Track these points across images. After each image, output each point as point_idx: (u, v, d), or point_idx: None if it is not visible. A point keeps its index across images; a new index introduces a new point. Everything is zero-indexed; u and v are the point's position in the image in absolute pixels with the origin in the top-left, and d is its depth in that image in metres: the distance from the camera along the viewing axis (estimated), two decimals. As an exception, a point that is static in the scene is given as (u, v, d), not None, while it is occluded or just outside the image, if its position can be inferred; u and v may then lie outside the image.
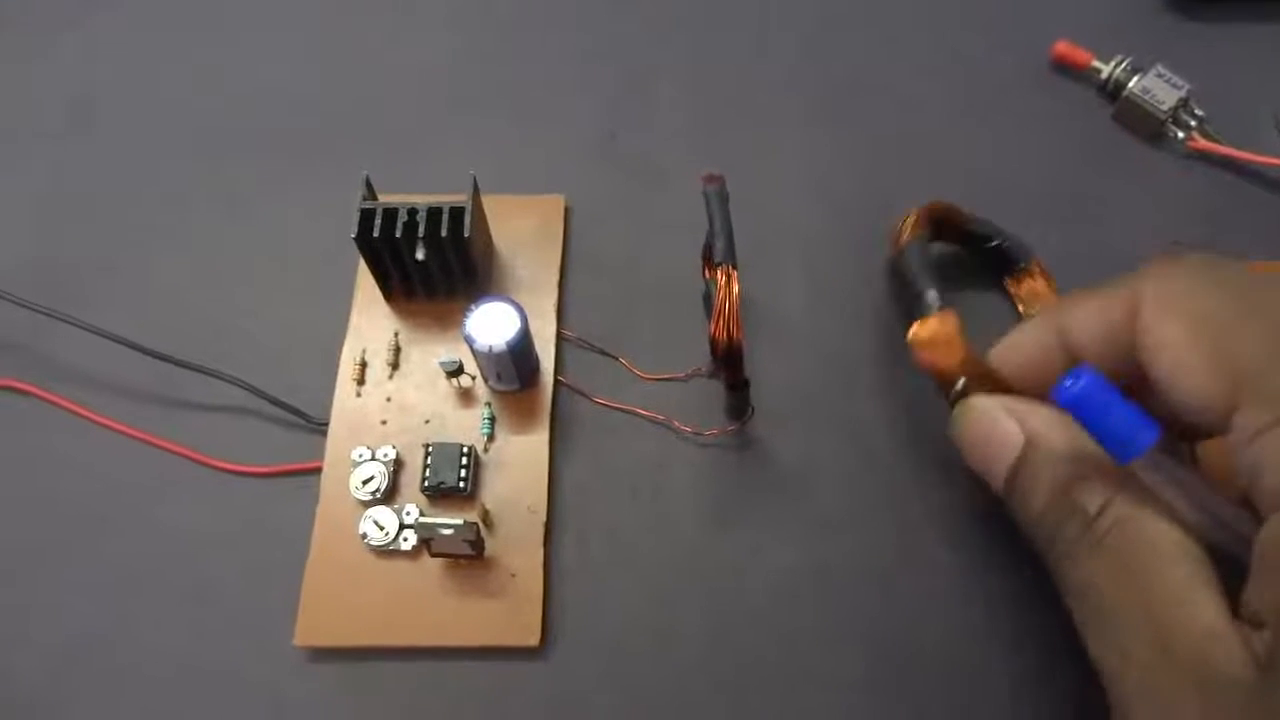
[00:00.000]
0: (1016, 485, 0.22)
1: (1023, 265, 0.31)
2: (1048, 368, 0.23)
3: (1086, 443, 0.21)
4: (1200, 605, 0.18)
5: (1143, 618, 0.19)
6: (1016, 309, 0.31)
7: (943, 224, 0.31)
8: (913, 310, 0.28)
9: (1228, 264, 0.21)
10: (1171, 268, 0.21)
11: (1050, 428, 0.22)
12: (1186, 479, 0.20)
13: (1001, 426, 0.23)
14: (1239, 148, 0.34)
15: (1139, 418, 0.20)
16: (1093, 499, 0.20)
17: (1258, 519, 0.19)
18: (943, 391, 0.26)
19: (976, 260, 0.32)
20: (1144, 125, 0.35)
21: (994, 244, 0.31)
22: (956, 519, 0.29)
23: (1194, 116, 0.34)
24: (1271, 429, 0.18)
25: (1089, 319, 0.23)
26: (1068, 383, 0.20)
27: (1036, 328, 0.24)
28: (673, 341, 0.31)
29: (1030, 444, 0.22)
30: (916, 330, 0.27)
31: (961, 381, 0.25)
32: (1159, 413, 0.20)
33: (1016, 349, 0.24)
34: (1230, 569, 0.19)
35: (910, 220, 0.30)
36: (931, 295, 0.28)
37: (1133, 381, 0.21)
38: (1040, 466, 0.22)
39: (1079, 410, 0.20)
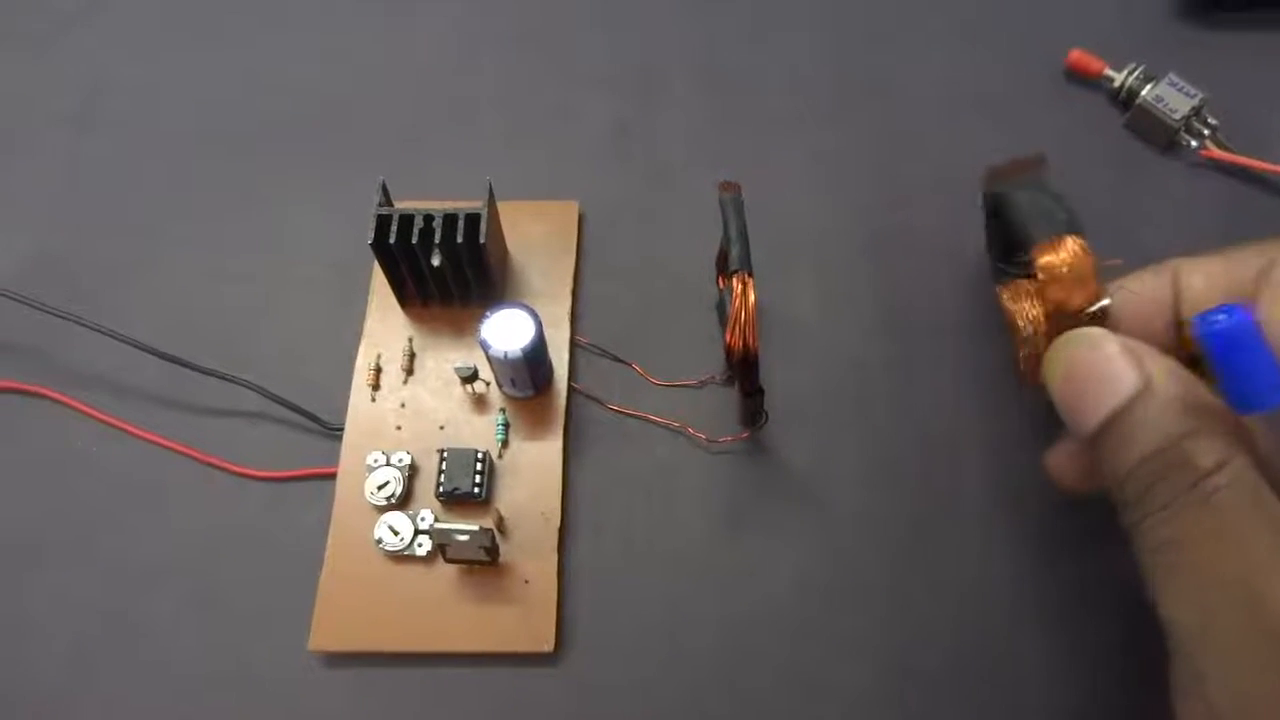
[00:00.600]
0: (1118, 429, 0.21)
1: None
2: (1155, 322, 0.23)
3: (1204, 398, 0.21)
4: None
5: (1238, 580, 0.18)
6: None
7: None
8: (1033, 233, 0.24)
9: None
10: None
11: (1172, 374, 0.21)
12: None
13: (1117, 364, 0.21)
14: (1252, 156, 0.34)
15: (1276, 373, 0.19)
16: (1208, 455, 0.19)
17: None
18: (1027, 340, 0.24)
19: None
20: (1157, 134, 0.35)
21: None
22: (970, 525, 0.29)
23: (1207, 125, 0.34)
24: None
25: (1213, 272, 0.22)
26: (1218, 316, 0.19)
27: (1153, 278, 0.23)
28: (686, 348, 0.32)
29: (1149, 387, 0.20)
30: (1050, 257, 0.24)
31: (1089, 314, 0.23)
32: None
33: (1127, 298, 0.23)
34: None
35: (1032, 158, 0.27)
36: (1062, 220, 0.24)
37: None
38: (1155, 412, 0.20)
39: (1223, 346, 0.19)
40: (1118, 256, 0.24)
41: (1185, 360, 0.22)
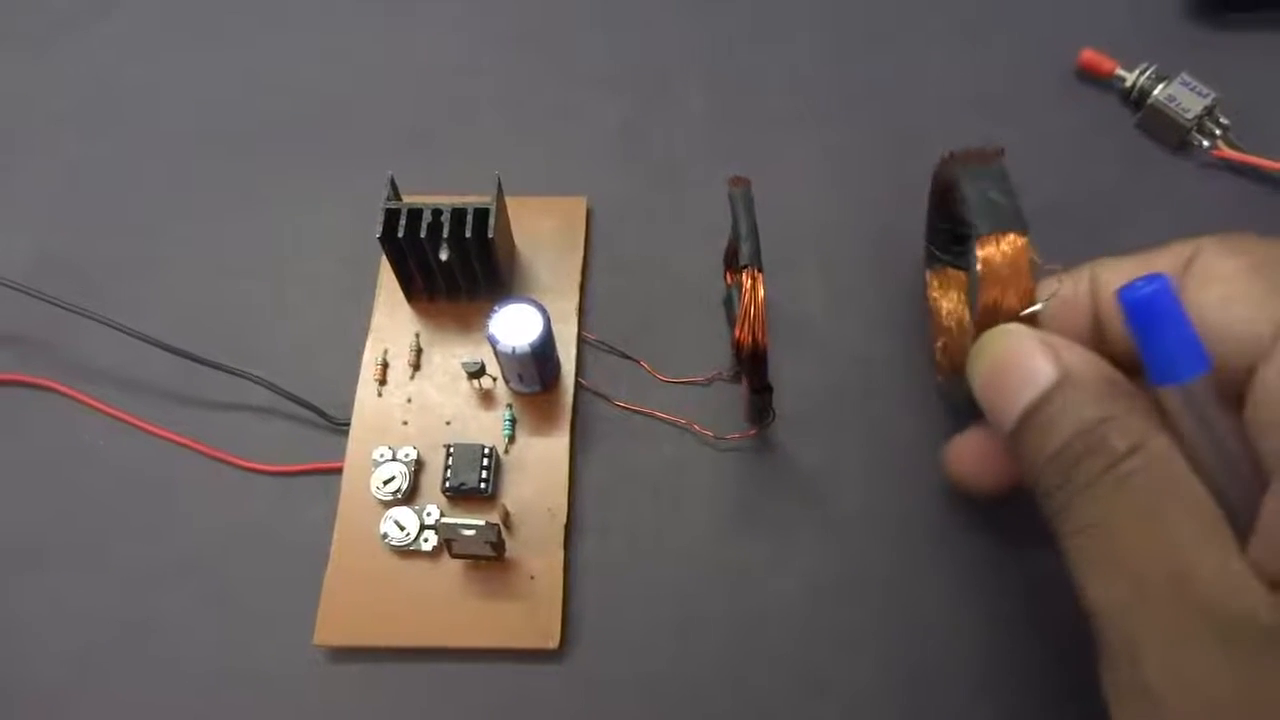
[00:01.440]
0: (1038, 420, 0.21)
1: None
2: (1076, 324, 0.23)
3: (1122, 385, 0.21)
4: (1222, 550, 0.18)
5: (1162, 556, 0.18)
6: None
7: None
8: (979, 224, 0.24)
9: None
10: (1230, 233, 0.22)
11: (1088, 364, 0.21)
12: (1217, 423, 0.20)
13: (1035, 358, 0.21)
14: (1264, 156, 0.33)
15: (1195, 344, 0.20)
16: (1122, 438, 0.20)
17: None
18: (945, 330, 0.24)
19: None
20: (1168, 133, 0.34)
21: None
22: (979, 523, 0.29)
23: (1219, 125, 0.34)
24: None
25: (1132, 270, 0.22)
26: (1139, 284, 0.20)
27: (1072, 281, 0.24)
28: (693, 344, 0.31)
29: (1065, 377, 0.21)
30: (992, 251, 0.23)
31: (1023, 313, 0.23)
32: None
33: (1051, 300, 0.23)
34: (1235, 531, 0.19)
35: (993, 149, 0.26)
36: (1006, 213, 0.24)
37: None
38: (1073, 401, 0.21)
39: (1143, 314, 0.20)
40: (1119, 254, 0.24)
41: (1107, 360, 0.22)
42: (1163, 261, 0.22)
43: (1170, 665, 0.18)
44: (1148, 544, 0.19)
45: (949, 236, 0.29)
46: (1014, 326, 0.23)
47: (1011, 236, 0.24)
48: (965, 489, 0.27)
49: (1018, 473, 0.23)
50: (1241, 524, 0.19)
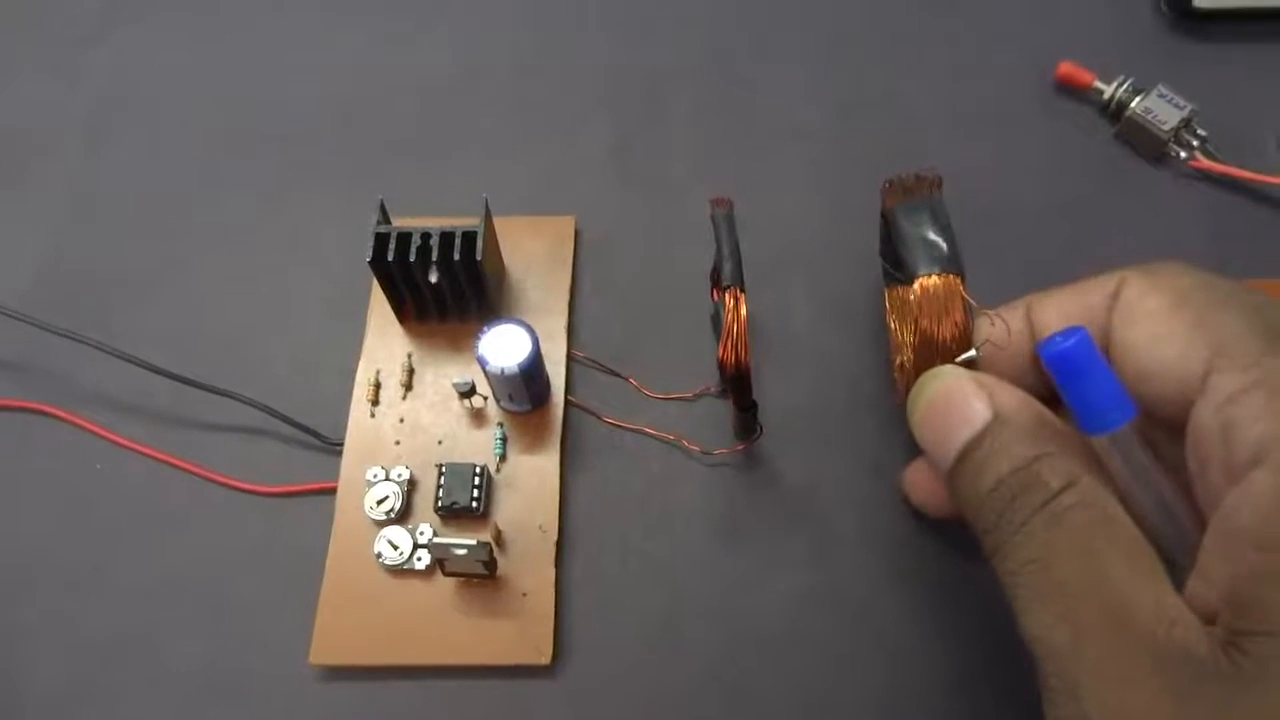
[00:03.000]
0: (973, 459, 0.21)
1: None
2: (1013, 357, 0.23)
3: (1054, 424, 0.21)
4: (1156, 585, 0.18)
5: (1099, 593, 0.19)
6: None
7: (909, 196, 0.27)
8: (911, 265, 0.25)
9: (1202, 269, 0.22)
10: (1153, 263, 0.22)
11: (1022, 404, 0.22)
12: (1148, 467, 0.20)
13: (970, 400, 0.22)
14: (1240, 167, 0.34)
15: (1120, 393, 0.20)
16: (1056, 476, 0.20)
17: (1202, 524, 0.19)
18: (906, 359, 0.25)
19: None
20: (1147, 145, 0.35)
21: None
22: (966, 538, 0.29)
23: (1196, 136, 0.35)
24: (1248, 390, 0.18)
25: (1064, 304, 0.23)
26: (1058, 339, 0.20)
27: (1009, 313, 0.24)
28: (682, 361, 0.32)
29: (998, 417, 0.21)
30: (924, 291, 0.24)
31: (961, 358, 0.24)
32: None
33: (990, 333, 0.24)
34: (1168, 568, 0.19)
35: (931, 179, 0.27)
36: (932, 252, 0.25)
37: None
38: (1006, 440, 0.21)
39: (1065, 368, 0.20)
40: (1107, 266, 0.24)
41: (1044, 395, 0.23)
42: (1091, 297, 0.22)
43: (1110, 700, 0.18)
44: (1084, 580, 0.19)
45: (896, 258, 0.29)
46: (949, 368, 0.23)
47: (944, 279, 0.24)
48: (924, 512, 0.28)
49: None
50: (1176, 561, 0.19)
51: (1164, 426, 0.21)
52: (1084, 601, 0.19)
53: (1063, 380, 0.20)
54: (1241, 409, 0.18)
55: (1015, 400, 0.22)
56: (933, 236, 0.25)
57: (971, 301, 0.24)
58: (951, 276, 0.24)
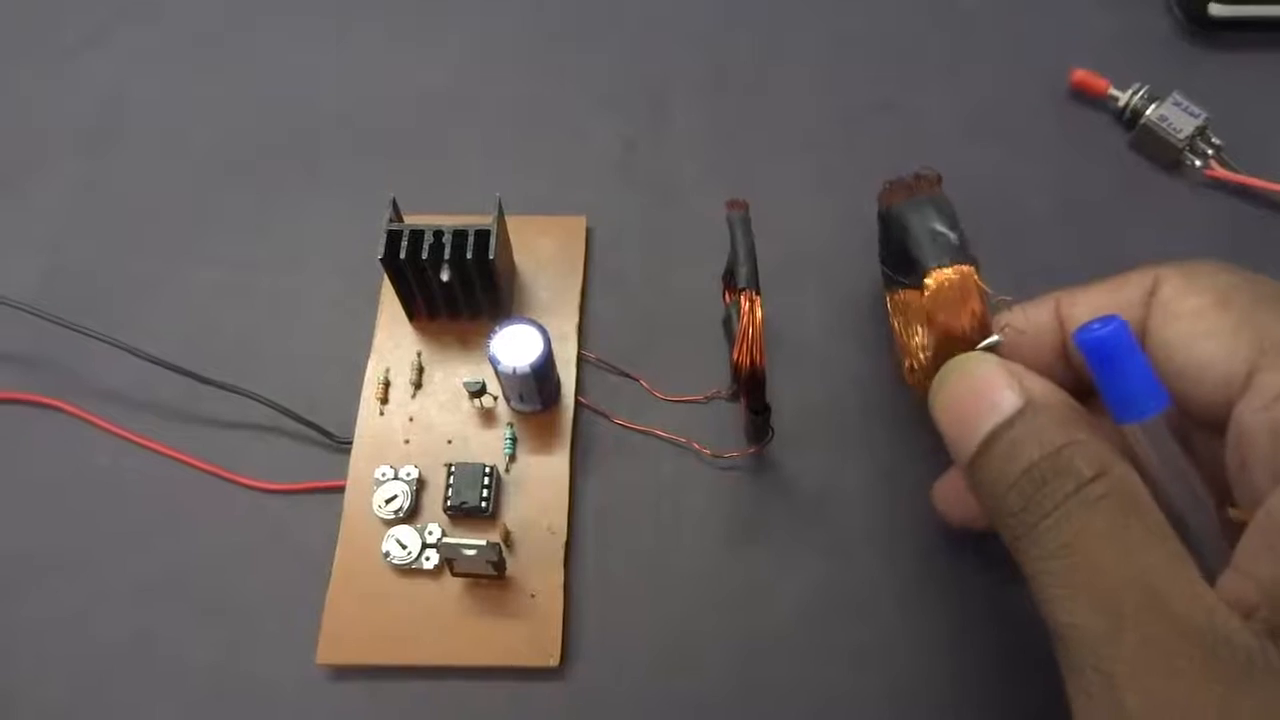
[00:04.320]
0: (1000, 444, 0.21)
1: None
2: (1042, 355, 0.23)
3: (1084, 414, 0.21)
4: (1192, 576, 0.18)
5: (1136, 580, 0.18)
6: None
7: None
8: (923, 257, 0.24)
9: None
10: (1189, 261, 0.22)
11: (1048, 392, 0.22)
12: (1179, 458, 0.20)
13: (999, 386, 0.21)
14: (1256, 176, 0.34)
15: (1154, 381, 0.20)
16: (1089, 464, 0.19)
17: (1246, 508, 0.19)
18: (916, 362, 0.25)
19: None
20: (1161, 153, 0.35)
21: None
22: (979, 540, 0.29)
23: (1211, 145, 0.35)
24: None
25: (1096, 299, 0.23)
26: (1095, 326, 0.20)
27: (1036, 308, 0.24)
28: (692, 363, 0.32)
29: (1030, 403, 0.21)
30: (938, 285, 0.24)
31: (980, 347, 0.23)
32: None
33: (1012, 334, 0.24)
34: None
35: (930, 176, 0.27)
36: (946, 244, 0.24)
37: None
38: (1037, 426, 0.20)
39: (1101, 355, 0.20)
40: (1105, 276, 0.24)
41: (1072, 389, 0.22)
42: (1125, 293, 0.22)
43: (1150, 690, 0.18)
44: (1120, 567, 0.18)
45: (900, 259, 0.29)
46: (976, 355, 0.23)
47: (958, 269, 0.24)
48: (954, 525, 0.28)
49: None
50: (1204, 555, 0.19)
51: (1198, 423, 0.21)
52: (1121, 589, 0.18)
53: (1098, 366, 0.20)
54: None
55: (1044, 388, 0.22)
56: (940, 229, 0.25)
57: (988, 290, 0.24)
58: (965, 266, 0.24)
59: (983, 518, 0.25)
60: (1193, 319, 0.21)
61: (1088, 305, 0.23)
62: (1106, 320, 0.20)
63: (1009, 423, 0.21)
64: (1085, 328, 0.20)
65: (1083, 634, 0.19)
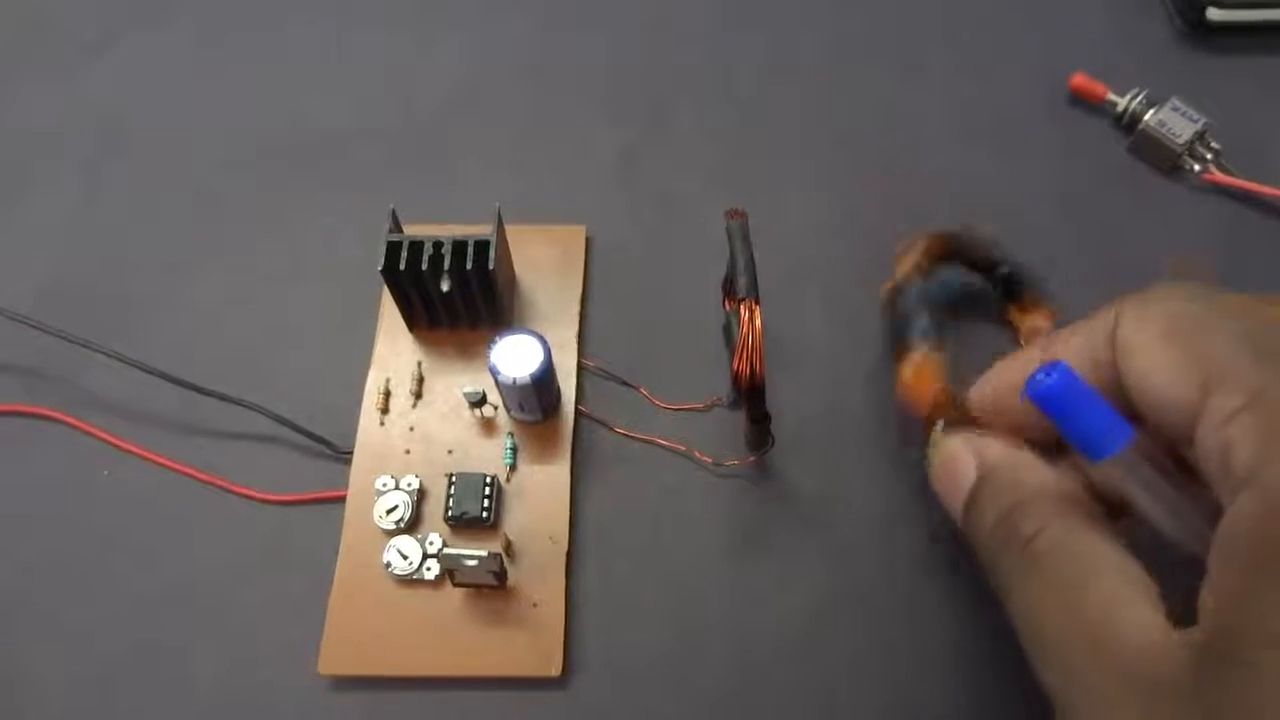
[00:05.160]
0: (970, 516, 0.23)
1: (1029, 294, 0.31)
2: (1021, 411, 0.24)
3: (1033, 474, 0.22)
4: (1135, 609, 0.19)
5: (1078, 630, 0.19)
6: (1018, 340, 0.32)
7: (945, 253, 0.31)
8: (903, 339, 0.29)
9: (1196, 284, 0.22)
10: (1146, 290, 0.22)
11: (1002, 458, 0.23)
12: (1157, 483, 0.21)
13: (961, 459, 0.24)
14: (1255, 181, 0.34)
15: (1113, 417, 0.20)
16: (1029, 523, 0.21)
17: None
18: (923, 436, 0.27)
19: (986, 285, 0.32)
20: (1160, 158, 0.35)
21: (1002, 271, 0.31)
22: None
23: (1210, 149, 0.35)
24: (1242, 411, 0.19)
25: (1074, 342, 0.23)
26: (1039, 376, 0.20)
27: (1017, 361, 0.24)
28: (692, 371, 0.32)
29: (982, 474, 0.23)
30: (901, 369, 0.28)
31: (940, 424, 0.25)
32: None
33: (994, 383, 0.25)
34: (1198, 573, 0.19)
35: (908, 258, 0.30)
36: (918, 333, 0.29)
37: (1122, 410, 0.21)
38: (987, 495, 0.22)
39: (1049, 405, 0.20)
40: (1121, 279, 0.24)
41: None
42: (1093, 335, 0.22)
43: None
44: (1063, 620, 0.20)
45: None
46: (946, 436, 0.25)
47: (919, 358, 0.28)
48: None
49: None
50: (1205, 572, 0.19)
51: (1186, 447, 0.21)
52: (1069, 642, 0.19)
53: (1053, 414, 0.21)
54: (1235, 430, 0.19)
55: (998, 454, 0.23)
56: (923, 320, 0.29)
57: (949, 385, 0.27)
58: (926, 357, 0.28)
59: None
60: (1144, 354, 0.21)
61: (1067, 348, 0.23)
62: (1049, 368, 0.20)
63: (972, 493, 0.23)
64: (1032, 379, 0.21)
65: (1048, 689, 0.20)
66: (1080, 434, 0.21)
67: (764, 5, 0.40)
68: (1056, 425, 0.21)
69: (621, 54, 0.39)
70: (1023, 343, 0.31)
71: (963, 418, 0.25)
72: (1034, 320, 0.31)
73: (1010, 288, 0.32)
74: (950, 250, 0.31)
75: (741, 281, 0.26)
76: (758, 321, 0.25)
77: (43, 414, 0.32)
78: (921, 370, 0.28)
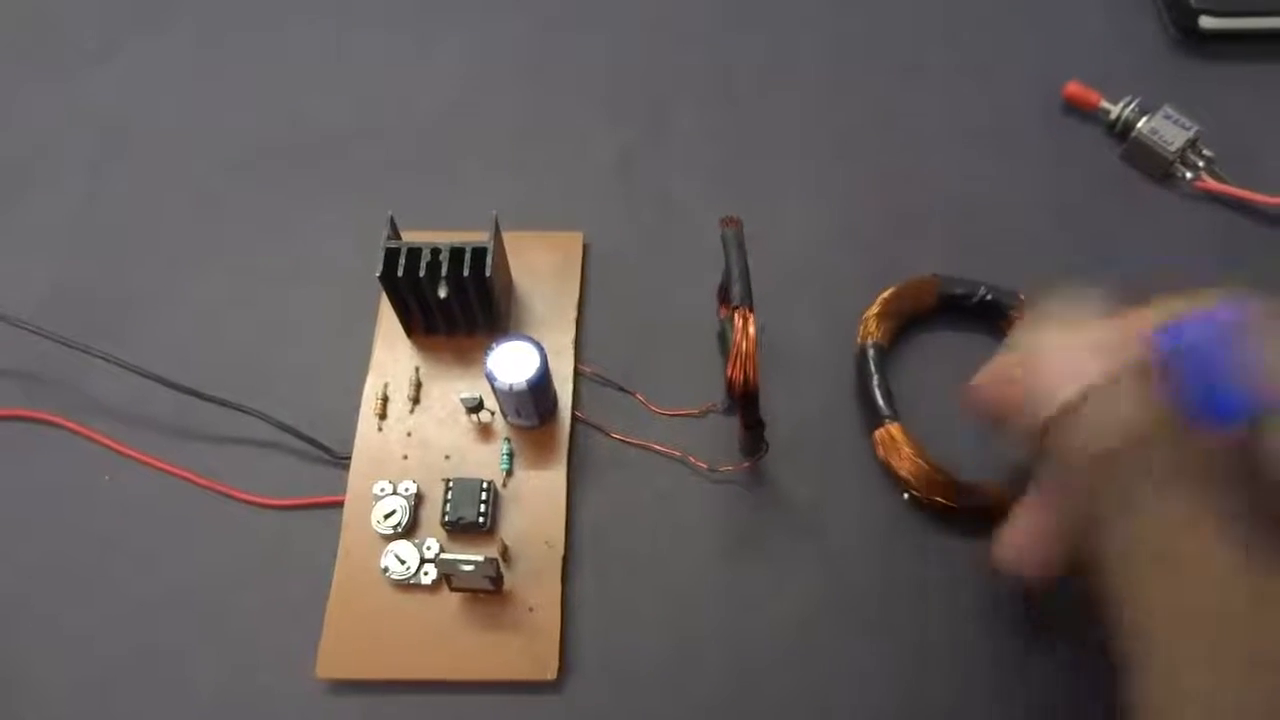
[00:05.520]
0: (1085, 412, 0.21)
1: (1011, 310, 0.32)
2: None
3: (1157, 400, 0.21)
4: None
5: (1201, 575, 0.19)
6: None
7: (915, 304, 0.32)
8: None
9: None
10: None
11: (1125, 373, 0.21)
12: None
13: (1084, 360, 0.22)
14: (1246, 188, 0.34)
15: (1238, 384, 0.20)
16: (1165, 448, 0.20)
17: None
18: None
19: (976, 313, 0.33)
20: (1152, 165, 0.35)
21: (978, 299, 0.32)
22: (972, 553, 0.29)
23: (1202, 157, 0.35)
24: None
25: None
26: (1177, 326, 0.20)
27: (1011, 355, 0.24)
28: (688, 377, 0.32)
29: (1112, 380, 0.21)
30: (877, 436, 0.30)
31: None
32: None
33: (993, 374, 0.24)
34: None
35: (868, 320, 0.32)
36: (881, 407, 0.30)
37: None
38: (1118, 400, 0.21)
39: (1186, 355, 0.20)
40: (1112, 285, 0.24)
41: None
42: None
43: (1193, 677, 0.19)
44: (1192, 562, 0.20)
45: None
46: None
47: (889, 427, 0.30)
48: (1019, 572, 0.25)
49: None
50: None
51: None
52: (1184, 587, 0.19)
53: (1184, 367, 0.20)
54: None
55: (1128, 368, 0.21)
56: (868, 388, 0.31)
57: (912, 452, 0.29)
58: (892, 427, 0.30)
59: (1053, 564, 0.25)
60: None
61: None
62: (1193, 318, 0.20)
63: (1091, 392, 0.21)
64: (1167, 330, 0.20)
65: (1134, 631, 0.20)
66: (1201, 390, 0.20)
67: (761, 7, 0.40)
68: (1182, 379, 0.20)
69: (621, 61, 0.39)
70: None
71: (935, 486, 0.28)
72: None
73: (991, 310, 0.32)
74: (913, 304, 0.32)
75: (735, 289, 0.26)
76: (751, 329, 0.25)
77: (44, 419, 0.32)
78: (889, 439, 0.30)
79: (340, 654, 0.28)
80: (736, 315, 0.26)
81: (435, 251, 0.30)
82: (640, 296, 0.34)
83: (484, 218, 0.30)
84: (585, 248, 0.34)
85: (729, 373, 0.26)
